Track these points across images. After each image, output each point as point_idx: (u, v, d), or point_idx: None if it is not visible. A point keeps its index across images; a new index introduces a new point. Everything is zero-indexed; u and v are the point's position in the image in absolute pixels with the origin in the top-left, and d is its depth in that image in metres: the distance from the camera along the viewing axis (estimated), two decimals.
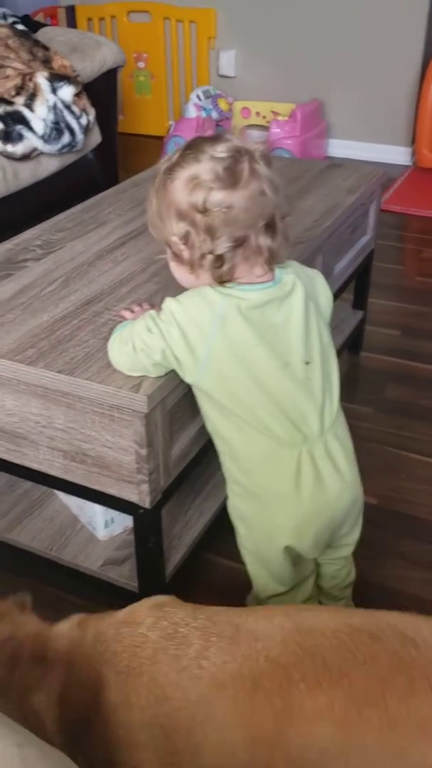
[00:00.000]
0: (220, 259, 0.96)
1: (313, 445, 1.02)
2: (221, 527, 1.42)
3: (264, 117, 3.87)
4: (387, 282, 2.55)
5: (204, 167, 0.94)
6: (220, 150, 0.95)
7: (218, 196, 0.94)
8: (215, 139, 0.97)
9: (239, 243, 0.95)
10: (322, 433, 1.03)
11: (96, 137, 2.54)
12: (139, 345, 1.01)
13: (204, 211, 0.94)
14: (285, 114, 3.72)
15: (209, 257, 0.96)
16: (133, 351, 1.02)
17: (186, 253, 0.98)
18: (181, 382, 1.11)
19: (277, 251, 0.99)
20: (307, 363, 1.02)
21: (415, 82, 3.64)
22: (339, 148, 3.91)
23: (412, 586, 1.41)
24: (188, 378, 1.01)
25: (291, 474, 1.02)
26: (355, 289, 2.07)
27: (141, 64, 4.20)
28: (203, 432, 1.23)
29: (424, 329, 2.29)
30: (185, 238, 0.97)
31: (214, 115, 3.79)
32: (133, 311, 1.18)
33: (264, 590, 1.16)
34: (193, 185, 0.95)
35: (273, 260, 0.99)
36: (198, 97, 3.74)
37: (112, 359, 1.06)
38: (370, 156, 3.78)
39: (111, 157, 2.77)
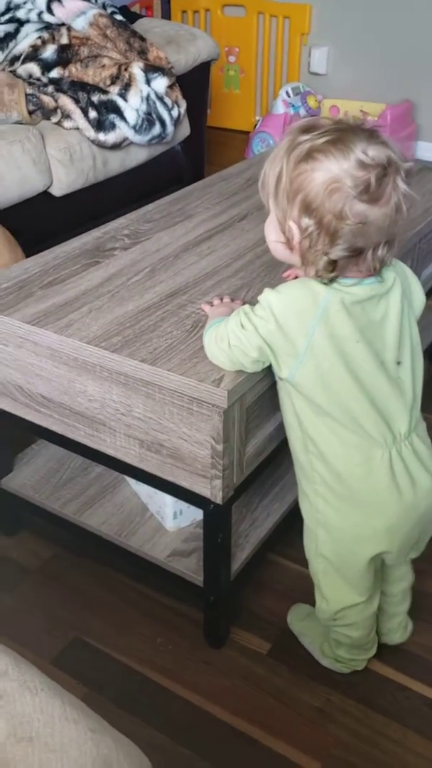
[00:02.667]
0: (332, 264, 0.93)
1: (401, 445, 1.01)
2: (288, 529, 1.41)
3: (352, 116, 3.81)
4: None
5: (348, 168, 0.89)
6: (372, 155, 0.89)
7: (359, 208, 0.89)
8: (367, 135, 0.91)
9: (356, 253, 0.93)
10: (409, 434, 1.02)
11: (185, 130, 2.54)
12: (233, 342, 1.00)
13: (339, 218, 0.90)
14: (374, 114, 3.66)
15: (323, 258, 0.93)
16: (229, 347, 1.01)
17: (298, 242, 0.94)
18: (261, 380, 1.10)
19: (387, 260, 0.97)
20: (399, 363, 1.01)
21: None
22: (428, 151, 3.82)
23: None
24: (284, 372, 0.99)
25: (385, 475, 1.00)
26: None
27: (232, 59, 4.19)
28: (278, 432, 1.22)
29: None
30: (305, 232, 0.92)
31: (302, 112, 3.75)
32: (212, 305, 1.17)
33: (339, 601, 1.12)
34: (333, 187, 0.89)
35: (381, 267, 0.97)
36: (287, 93, 3.71)
37: (209, 354, 1.06)
38: None
39: (198, 150, 2.78)
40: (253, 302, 1.01)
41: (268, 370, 1.06)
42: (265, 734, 1.16)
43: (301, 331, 0.95)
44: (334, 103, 3.87)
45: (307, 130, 0.93)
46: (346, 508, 1.04)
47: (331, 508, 1.05)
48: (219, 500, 1.12)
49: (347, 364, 0.96)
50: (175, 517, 1.33)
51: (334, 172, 0.89)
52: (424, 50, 3.67)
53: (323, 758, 1.12)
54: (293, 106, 3.70)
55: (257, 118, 3.98)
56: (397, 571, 1.20)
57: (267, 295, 0.97)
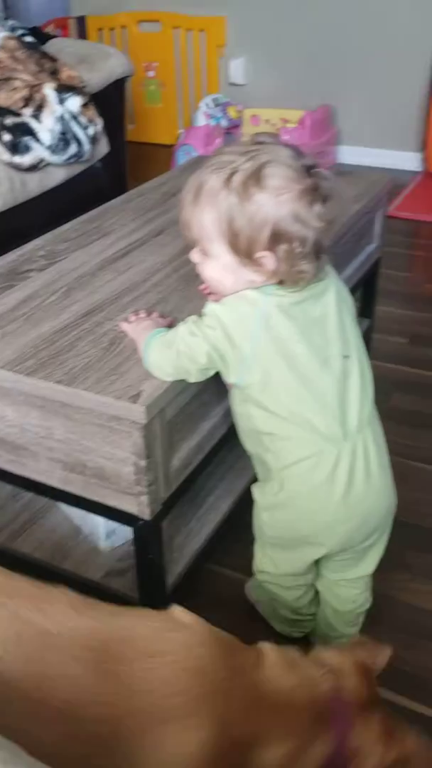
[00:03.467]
0: (311, 271, 0.96)
1: (353, 441, 1.03)
2: (225, 538, 1.42)
3: (273, 125, 3.87)
4: (395, 289, 2.53)
5: (298, 178, 0.92)
6: (303, 160, 0.94)
7: (319, 210, 0.93)
8: (282, 144, 0.95)
9: (319, 255, 0.97)
10: (360, 430, 1.03)
11: (103, 147, 2.55)
12: (183, 349, 1.01)
13: (311, 227, 0.93)
14: (294, 121, 3.72)
15: (306, 269, 0.96)
16: (177, 355, 1.02)
17: (274, 269, 0.96)
18: (181, 392, 1.11)
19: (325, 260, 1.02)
20: (346, 357, 1.03)
21: (424, 87, 3.63)
22: (349, 154, 3.90)
23: (419, 598, 1.39)
24: (232, 378, 1.02)
25: (329, 471, 1.02)
26: (362, 297, 2.06)
27: (151, 74, 4.22)
28: (205, 443, 1.23)
29: None
30: (285, 256, 0.94)
31: (224, 123, 3.79)
32: (129, 322, 1.18)
33: (279, 568, 1.16)
34: (296, 204, 0.92)
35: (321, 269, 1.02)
36: (207, 105, 3.75)
37: (151, 363, 1.06)
38: (381, 162, 3.77)
39: (119, 166, 2.78)
40: (172, 315, 1.03)
41: (188, 384, 1.07)
42: None
43: (246, 337, 0.97)
44: (254, 112, 3.93)
45: (224, 164, 0.95)
46: (292, 501, 1.06)
47: (277, 499, 1.07)
48: (147, 516, 1.12)
49: (292, 364, 0.99)
50: (108, 537, 1.32)
51: (292, 188, 0.92)
52: (338, 56, 3.76)
53: None
54: (214, 117, 3.74)
55: (180, 131, 4.01)
56: (351, 592, 1.20)
57: (212, 306, 1.00)
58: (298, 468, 1.03)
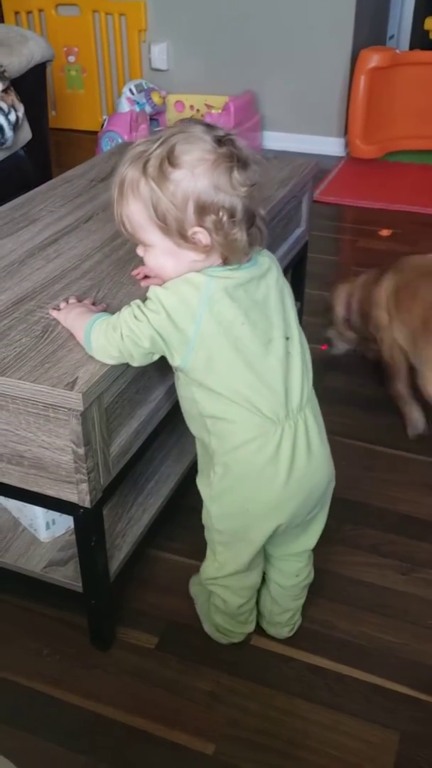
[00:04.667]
0: (243, 239, 0.97)
1: (294, 420, 1.05)
2: (167, 522, 1.43)
3: (198, 110, 3.87)
4: (324, 272, 2.58)
5: (212, 149, 0.94)
6: (215, 132, 0.95)
7: (240, 176, 0.94)
8: (193, 121, 0.97)
9: (253, 222, 0.98)
10: (302, 408, 1.06)
11: (26, 134, 2.49)
12: (126, 332, 1.01)
13: (235, 194, 0.94)
14: (218, 107, 3.73)
15: (240, 238, 0.96)
16: (121, 339, 1.02)
17: (210, 242, 0.97)
18: (117, 379, 1.11)
19: (264, 233, 1.02)
20: (288, 338, 1.05)
21: (346, 73, 3.69)
22: (274, 140, 3.94)
23: (355, 570, 1.44)
24: (177, 361, 1.02)
25: (273, 450, 1.04)
26: (291, 280, 2.09)
27: (71, 59, 4.14)
28: (143, 428, 1.23)
29: None
30: (216, 227, 0.95)
31: (148, 109, 3.76)
32: (59, 309, 1.16)
33: (224, 569, 1.16)
34: (213, 173, 0.93)
35: (262, 239, 1.02)
36: (130, 91, 3.71)
37: (94, 347, 1.05)
38: (305, 148, 3.82)
39: (43, 153, 2.73)
40: (105, 301, 1.03)
41: (127, 370, 1.07)
42: (159, 726, 1.17)
43: (189, 320, 0.98)
44: (178, 98, 3.92)
45: (138, 155, 0.97)
46: (238, 483, 1.07)
47: (224, 484, 1.08)
48: (87, 504, 1.12)
49: (235, 346, 1.00)
50: (48, 528, 1.31)
51: (206, 159, 0.93)
52: (261, 41, 3.77)
53: (217, 739, 1.15)
54: (138, 103, 3.71)
55: (104, 117, 3.96)
56: (295, 566, 1.22)
57: (155, 290, 1.00)
58: (244, 451, 1.04)
